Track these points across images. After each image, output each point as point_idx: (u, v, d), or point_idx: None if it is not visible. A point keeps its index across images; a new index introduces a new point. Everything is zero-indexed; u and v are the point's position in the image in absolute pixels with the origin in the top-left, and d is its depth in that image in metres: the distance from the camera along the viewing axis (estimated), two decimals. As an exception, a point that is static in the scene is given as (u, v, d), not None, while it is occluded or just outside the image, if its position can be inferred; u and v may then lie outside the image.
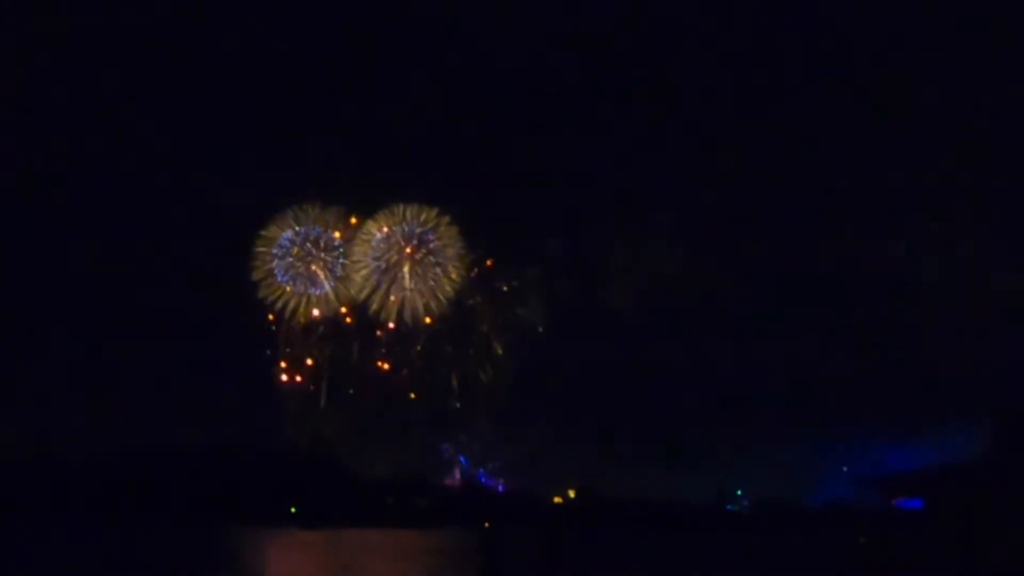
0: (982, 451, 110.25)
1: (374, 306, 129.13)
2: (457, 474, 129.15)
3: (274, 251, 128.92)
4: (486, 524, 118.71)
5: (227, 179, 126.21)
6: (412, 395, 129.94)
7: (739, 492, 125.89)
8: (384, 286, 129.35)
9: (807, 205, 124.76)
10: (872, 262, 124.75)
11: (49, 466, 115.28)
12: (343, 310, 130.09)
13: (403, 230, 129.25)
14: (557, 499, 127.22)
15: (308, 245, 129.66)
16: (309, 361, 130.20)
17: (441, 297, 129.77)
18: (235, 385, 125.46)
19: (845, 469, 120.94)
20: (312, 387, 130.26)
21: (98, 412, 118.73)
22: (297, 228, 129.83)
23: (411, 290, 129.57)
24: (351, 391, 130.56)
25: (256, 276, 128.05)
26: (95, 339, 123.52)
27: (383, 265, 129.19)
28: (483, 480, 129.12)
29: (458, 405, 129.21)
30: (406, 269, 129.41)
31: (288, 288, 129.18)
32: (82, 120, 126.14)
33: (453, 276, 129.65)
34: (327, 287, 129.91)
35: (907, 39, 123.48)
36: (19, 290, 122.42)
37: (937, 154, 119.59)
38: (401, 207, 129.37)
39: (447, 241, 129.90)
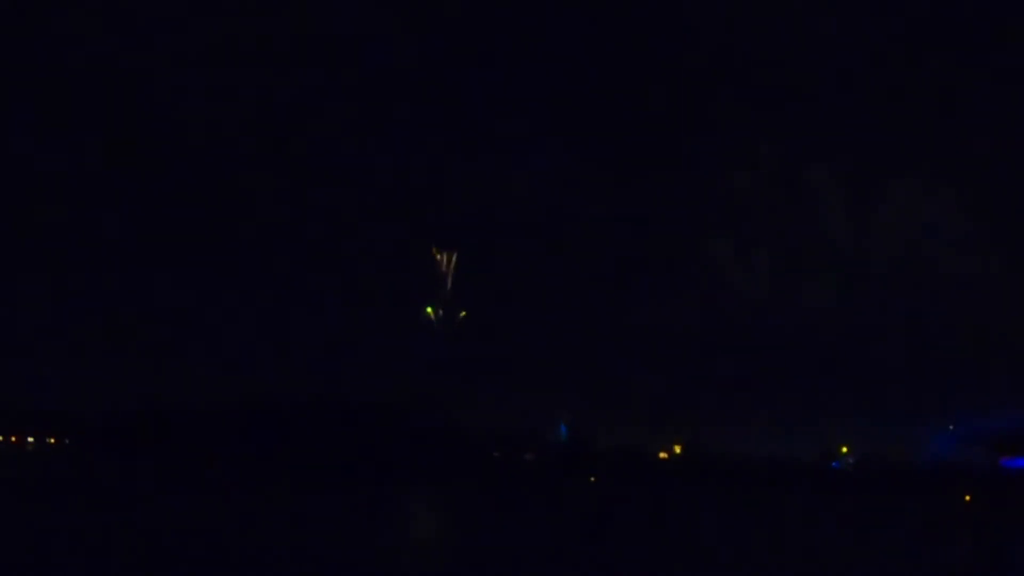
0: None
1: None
2: (563, 428, 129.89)
3: None
4: (591, 479, 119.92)
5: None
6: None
7: (844, 450, 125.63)
8: None
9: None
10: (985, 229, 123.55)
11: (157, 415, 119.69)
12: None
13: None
14: (663, 454, 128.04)
15: None
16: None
17: None
18: (347, 335, 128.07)
19: (951, 427, 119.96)
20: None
21: (208, 362, 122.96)
22: None
23: None
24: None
25: None
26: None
27: None
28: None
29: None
30: None
31: None
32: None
33: None
34: None
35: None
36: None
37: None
38: None
39: None
